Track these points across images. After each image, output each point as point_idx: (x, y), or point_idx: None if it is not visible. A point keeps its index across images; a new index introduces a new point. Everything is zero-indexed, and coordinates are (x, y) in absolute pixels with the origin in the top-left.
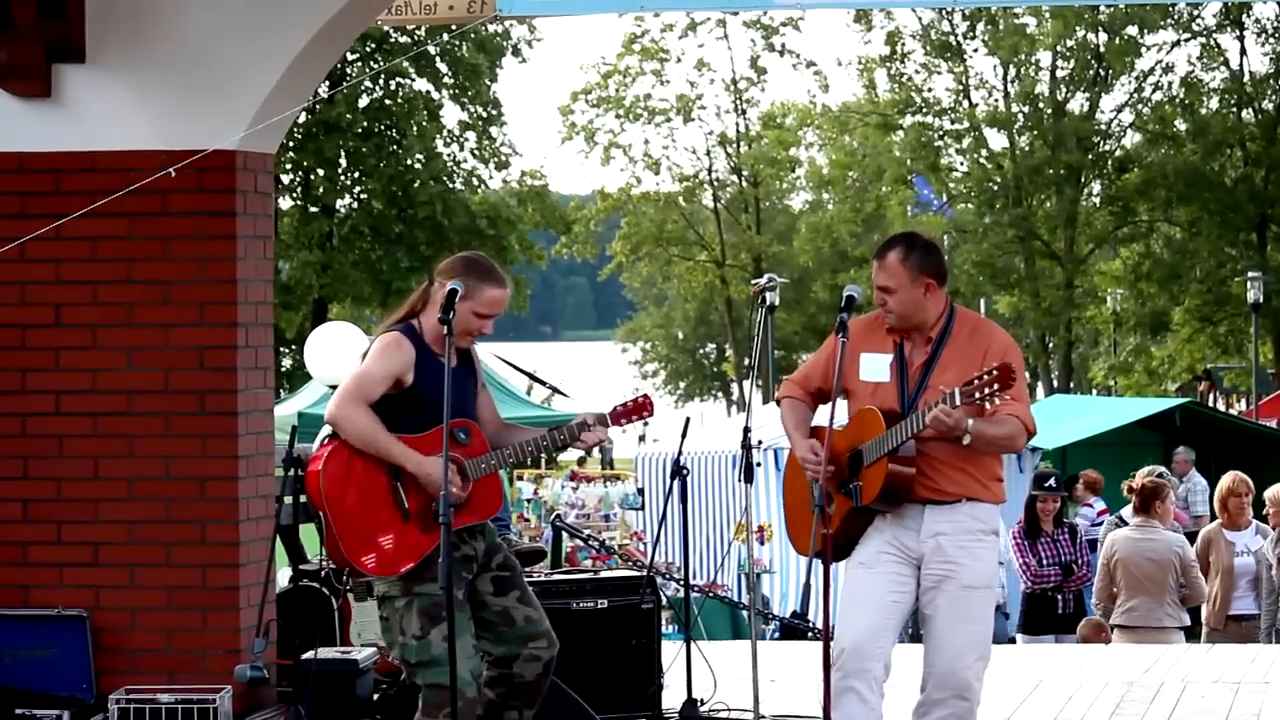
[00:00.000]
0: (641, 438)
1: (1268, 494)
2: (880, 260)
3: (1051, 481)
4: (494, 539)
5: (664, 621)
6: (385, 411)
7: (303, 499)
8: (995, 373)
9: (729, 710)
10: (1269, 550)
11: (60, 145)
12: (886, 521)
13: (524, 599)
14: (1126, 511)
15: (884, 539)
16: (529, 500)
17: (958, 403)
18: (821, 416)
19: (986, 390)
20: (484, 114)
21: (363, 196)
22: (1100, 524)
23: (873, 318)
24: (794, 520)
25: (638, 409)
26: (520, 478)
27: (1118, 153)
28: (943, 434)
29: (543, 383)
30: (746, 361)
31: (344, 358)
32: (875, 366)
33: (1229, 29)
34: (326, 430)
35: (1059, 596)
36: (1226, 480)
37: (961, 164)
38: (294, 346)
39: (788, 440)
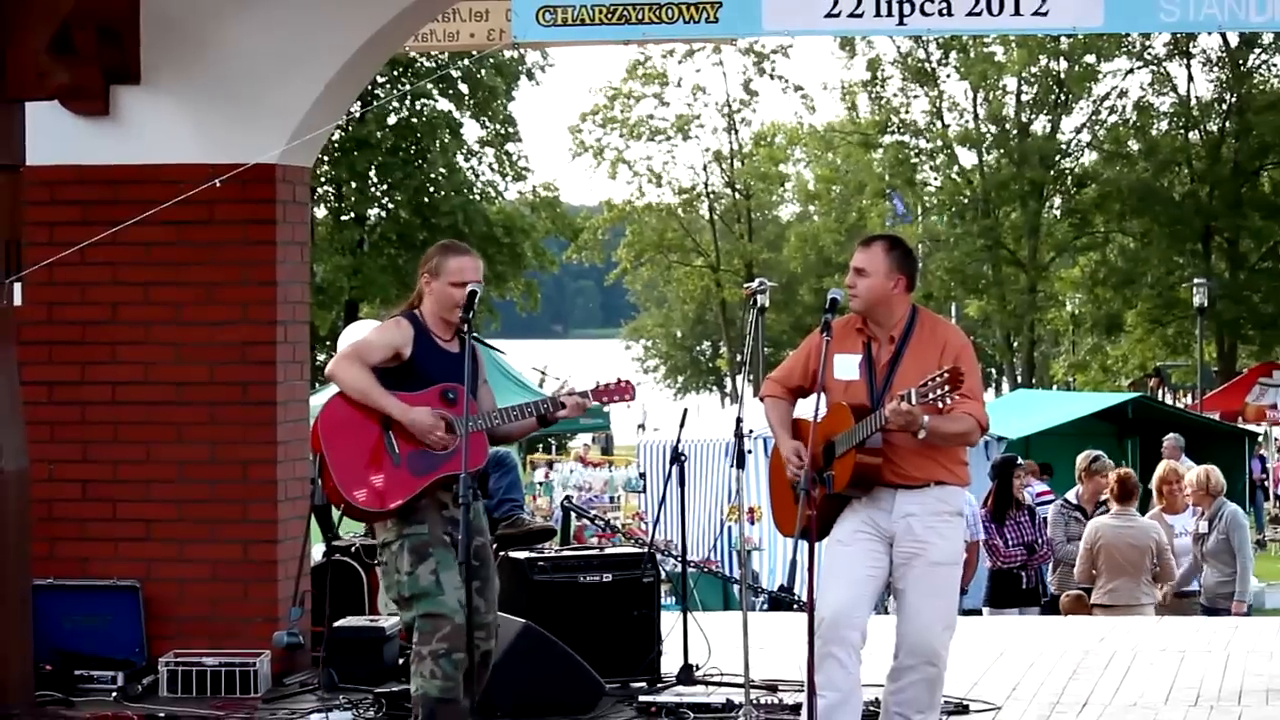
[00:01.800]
0: (641, 426)
1: (1186, 478)
2: (865, 246)
3: (1020, 461)
4: (480, 520)
5: (663, 594)
6: (385, 381)
7: None
8: (946, 375)
9: (721, 675)
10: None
11: (117, 159)
12: (862, 503)
13: (483, 590)
14: (1072, 494)
15: (860, 519)
16: (541, 483)
17: (914, 401)
18: (804, 409)
19: (939, 391)
20: (501, 131)
21: (390, 206)
22: (1043, 503)
23: (844, 322)
24: (779, 505)
25: (619, 390)
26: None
27: (1077, 169)
28: (903, 429)
29: (542, 372)
30: (739, 358)
31: None
32: (846, 366)
33: (1177, 58)
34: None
35: (1022, 574)
36: (1159, 470)
37: (935, 179)
38: (328, 343)
39: (773, 435)
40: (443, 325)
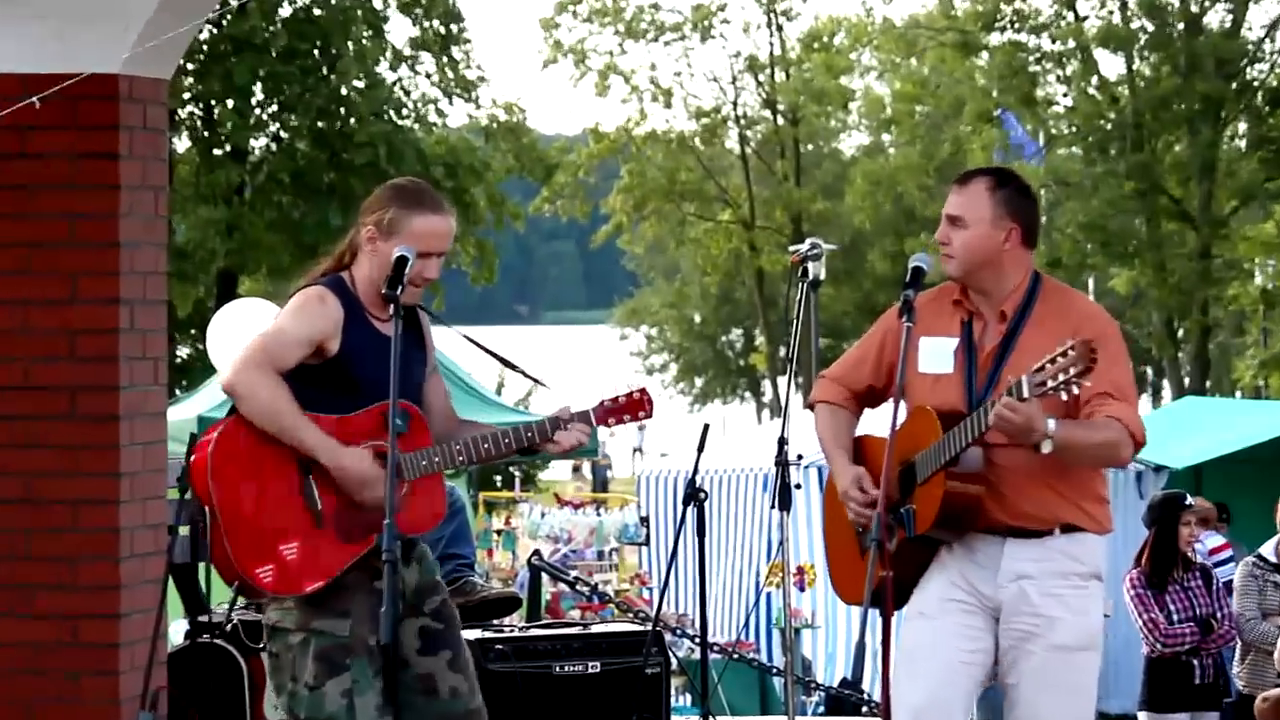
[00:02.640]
0: (638, 451)
1: None
2: (962, 185)
3: (1190, 500)
4: (431, 574)
5: (674, 690)
6: (301, 387)
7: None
8: (1073, 350)
9: None
10: None
11: None
12: (954, 557)
13: (455, 663)
14: (1268, 548)
15: (950, 581)
16: (500, 531)
17: (1026, 394)
18: (872, 424)
19: (1061, 376)
20: (442, 29)
21: (283, 136)
22: (1222, 562)
23: (935, 295)
24: (838, 558)
25: (631, 407)
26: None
27: (1270, 81)
28: (1014, 438)
29: (514, 367)
30: (783, 352)
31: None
32: (937, 354)
33: None
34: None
35: (1195, 661)
36: None
37: (1065, 96)
38: (193, 330)
39: (825, 459)
40: (380, 299)
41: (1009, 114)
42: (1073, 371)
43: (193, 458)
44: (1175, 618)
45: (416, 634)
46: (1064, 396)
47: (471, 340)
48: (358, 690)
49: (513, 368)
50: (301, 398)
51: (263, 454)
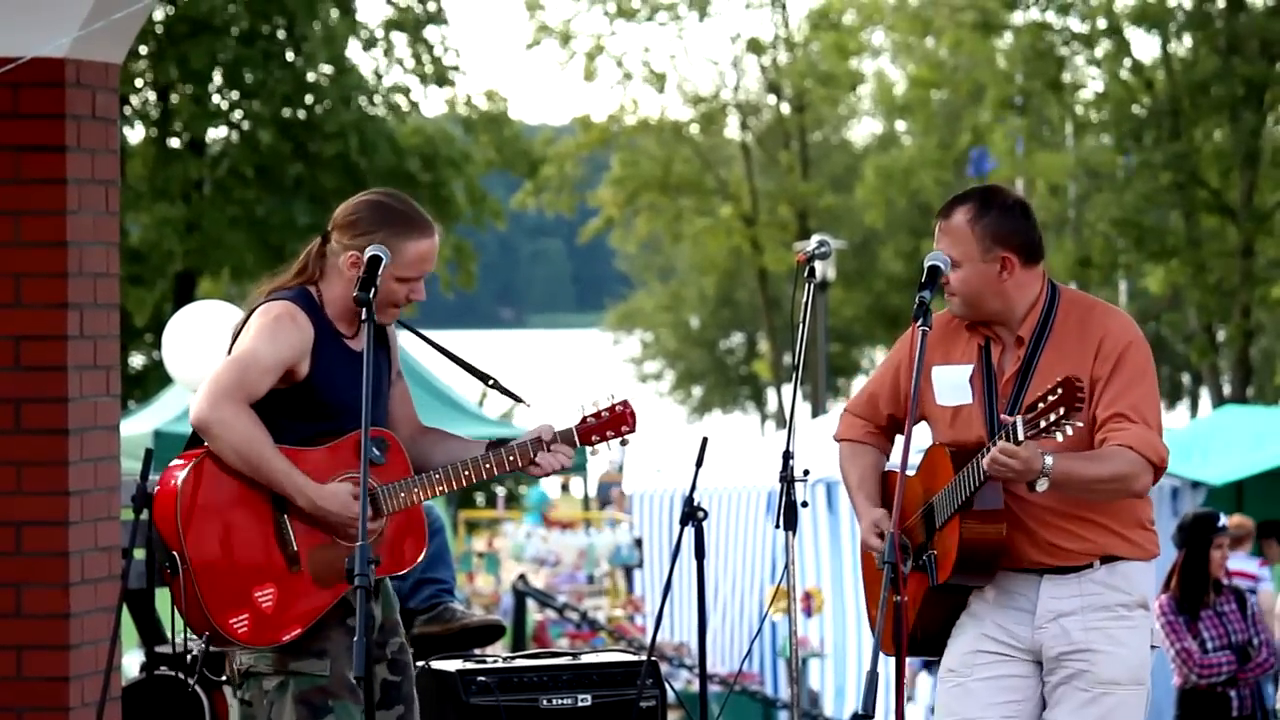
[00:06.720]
0: (619, 468)
1: None
2: (944, 220)
3: (1223, 521)
4: (393, 612)
5: None
6: (267, 413)
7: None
8: (1058, 392)
9: None
10: None
11: None
12: (986, 604)
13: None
14: None
15: (980, 632)
16: (481, 554)
17: (1020, 435)
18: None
19: (1053, 416)
20: (417, 9)
21: (244, 126)
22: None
23: (947, 316)
24: (874, 591)
25: (614, 422)
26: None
27: None
28: (1015, 482)
29: (486, 379)
30: (788, 359)
31: (217, 353)
32: (953, 384)
33: None
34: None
35: (1232, 692)
36: None
37: (1095, 79)
38: (148, 337)
39: (852, 505)
40: (352, 318)
41: (982, 150)
42: (1062, 411)
43: (155, 490)
44: (1210, 646)
45: (379, 684)
46: (1059, 437)
47: (445, 351)
48: None
49: (486, 380)
50: (268, 425)
51: (234, 493)
